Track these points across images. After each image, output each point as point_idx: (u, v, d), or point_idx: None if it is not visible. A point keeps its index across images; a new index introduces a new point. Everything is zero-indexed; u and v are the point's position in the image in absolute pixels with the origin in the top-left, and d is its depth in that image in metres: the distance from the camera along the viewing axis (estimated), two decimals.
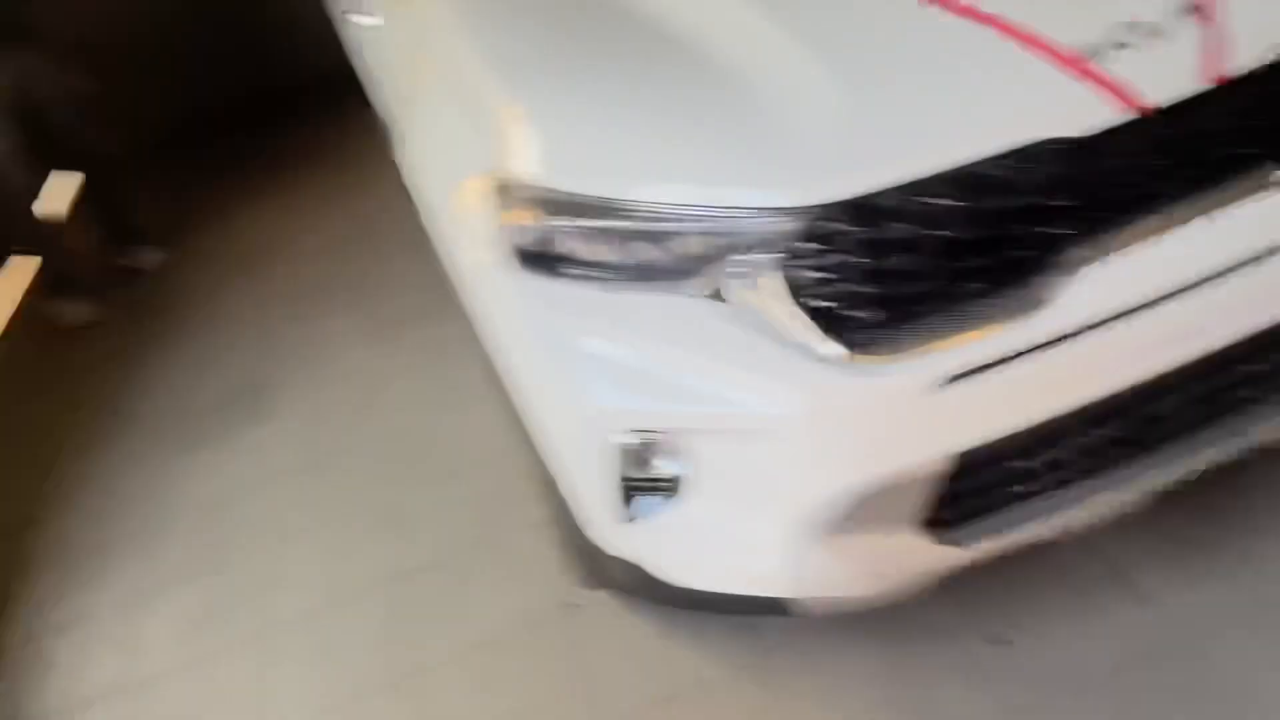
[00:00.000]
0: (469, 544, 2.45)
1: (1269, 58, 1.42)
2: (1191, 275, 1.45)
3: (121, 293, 4.18)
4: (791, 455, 1.49)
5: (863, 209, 1.39)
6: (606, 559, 1.79)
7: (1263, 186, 1.46)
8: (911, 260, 1.42)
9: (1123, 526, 1.86)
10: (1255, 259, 1.47)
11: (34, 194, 4.00)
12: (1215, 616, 1.80)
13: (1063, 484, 1.63)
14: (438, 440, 2.81)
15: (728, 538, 1.62)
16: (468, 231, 1.72)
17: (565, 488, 1.77)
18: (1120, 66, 1.39)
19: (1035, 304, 1.42)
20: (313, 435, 3.05)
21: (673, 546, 1.68)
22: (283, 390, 3.31)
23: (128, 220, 4.37)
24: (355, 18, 3.06)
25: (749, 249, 1.43)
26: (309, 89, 5.13)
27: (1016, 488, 1.62)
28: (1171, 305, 1.46)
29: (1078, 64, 1.39)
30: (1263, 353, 1.60)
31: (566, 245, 1.53)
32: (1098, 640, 1.82)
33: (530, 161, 1.56)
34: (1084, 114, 1.39)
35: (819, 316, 1.43)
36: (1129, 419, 1.60)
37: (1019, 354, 1.43)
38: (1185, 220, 1.45)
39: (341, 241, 4.11)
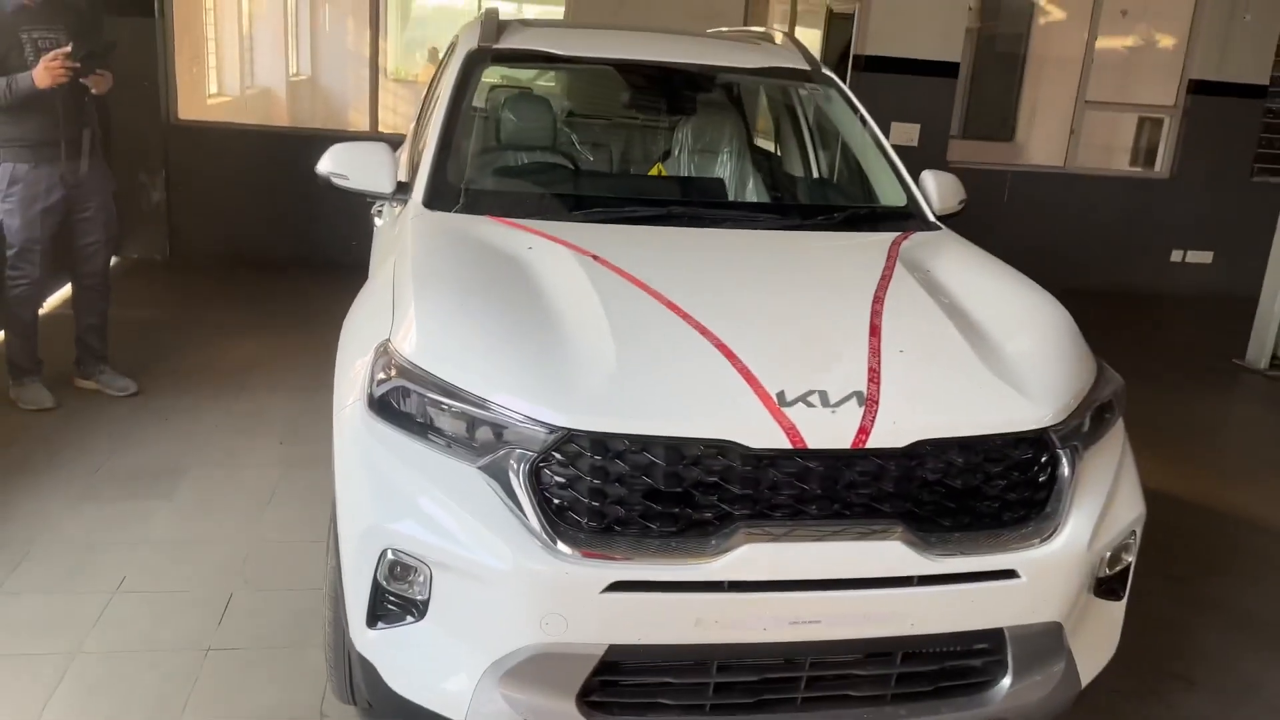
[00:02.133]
0: (269, 639, 2.86)
1: (901, 444, 2.05)
2: (813, 577, 2.01)
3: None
4: (494, 603, 1.99)
5: (598, 442, 1.98)
6: (355, 661, 2.23)
7: (880, 534, 2.03)
8: (621, 492, 1.99)
9: None
10: (862, 585, 2.02)
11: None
12: None
13: (696, 710, 2.09)
14: (283, 547, 3.27)
15: (437, 659, 2.09)
16: (349, 377, 2.31)
17: (344, 592, 2.24)
18: (798, 414, 2.02)
19: (703, 554, 1.97)
20: (192, 517, 3.52)
21: (400, 655, 2.13)
22: (186, 477, 3.81)
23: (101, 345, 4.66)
24: (376, 219, 3.85)
25: (524, 445, 2.01)
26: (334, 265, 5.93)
27: (663, 699, 2.09)
28: (797, 594, 2.00)
29: (772, 403, 2.03)
30: (863, 660, 2.11)
31: (406, 403, 2.12)
32: None
33: (405, 341, 2.19)
34: (766, 436, 2.00)
35: (548, 508, 1.98)
36: (754, 674, 2.09)
37: (678, 586, 1.96)
38: (822, 535, 2.02)
39: (293, 385, 4.71)
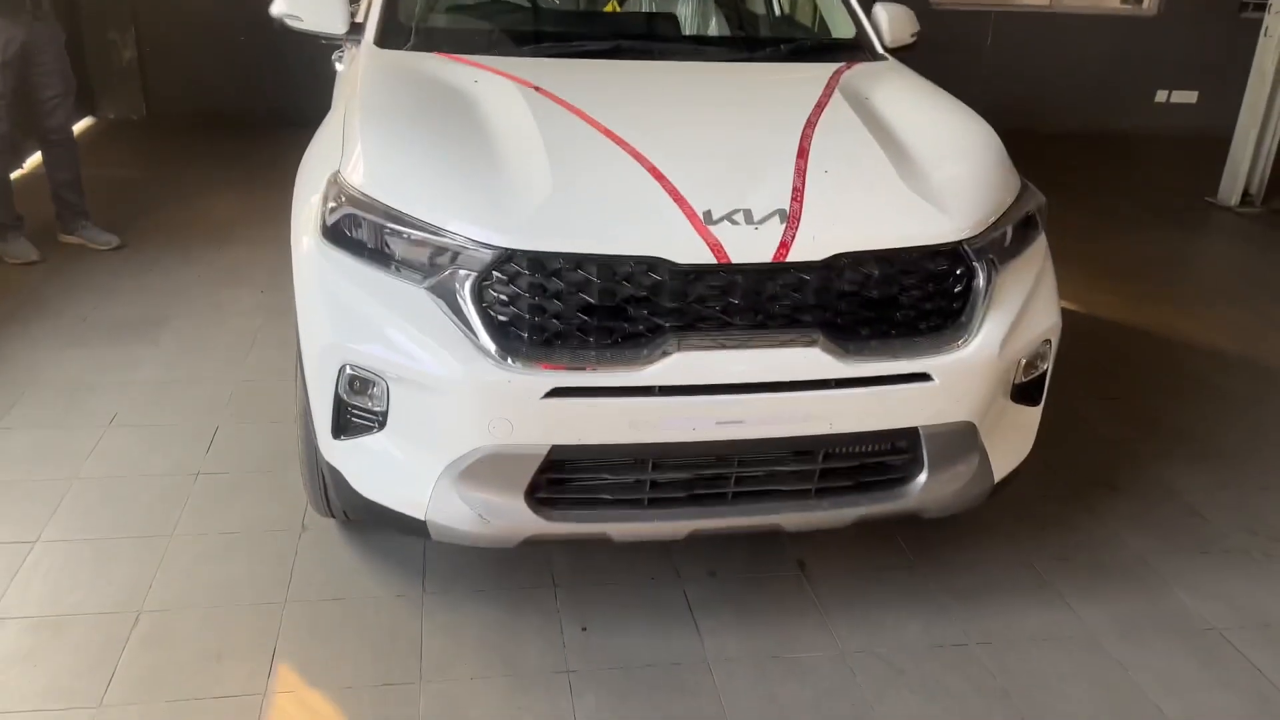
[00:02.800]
0: (254, 465, 3.08)
1: (819, 257, 2.18)
2: (738, 381, 2.18)
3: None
4: (446, 409, 2.16)
5: (534, 261, 2.12)
6: (325, 471, 2.43)
7: (800, 341, 2.19)
8: (558, 307, 2.14)
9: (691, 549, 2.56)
10: (784, 388, 2.19)
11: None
12: (744, 649, 2.44)
13: (635, 504, 2.30)
14: (266, 385, 3.46)
15: (397, 464, 2.28)
16: (305, 211, 2.44)
17: (310, 410, 2.42)
18: (723, 232, 2.15)
19: (636, 362, 2.13)
20: (178, 361, 3.70)
21: (365, 463, 2.33)
22: (170, 326, 3.98)
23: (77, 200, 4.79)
24: (337, 65, 3.89)
25: (467, 266, 2.15)
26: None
27: (604, 495, 2.29)
28: (723, 397, 2.18)
29: (699, 222, 2.16)
30: (787, 458, 2.31)
31: (357, 230, 2.25)
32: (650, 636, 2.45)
33: (354, 171, 2.30)
34: (692, 252, 2.14)
35: (491, 323, 2.14)
36: (688, 471, 2.29)
37: (612, 391, 2.14)
38: (745, 343, 2.18)
39: (272, 237, 4.83)
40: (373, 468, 2.32)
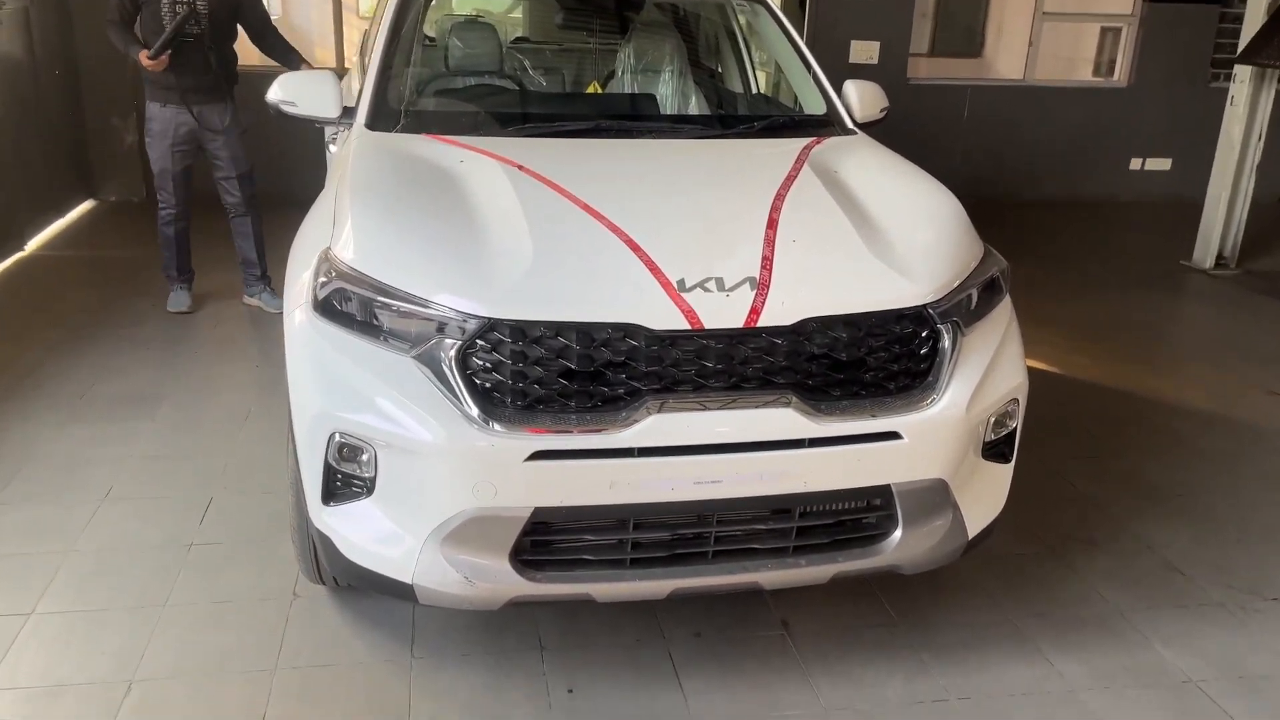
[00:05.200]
0: (246, 535, 3.13)
1: (789, 322, 2.28)
2: (715, 441, 2.26)
3: None
4: (432, 474, 2.24)
5: (517, 329, 2.22)
6: (316, 538, 2.49)
7: (774, 402, 2.28)
8: (540, 372, 2.23)
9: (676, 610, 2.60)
10: (759, 447, 2.27)
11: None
12: (729, 710, 2.47)
13: (617, 564, 2.36)
14: (260, 456, 3.53)
15: (385, 529, 2.34)
16: (296, 286, 2.54)
17: (301, 478, 2.49)
18: (696, 298, 2.25)
19: (614, 425, 2.22)
20: (173, 435, 3.77)
21: (353, 528, 2.39)
22: (166, 401, 4.07)
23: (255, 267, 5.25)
24: (331, 146, 4.04)
25: (452, 335, 2.24)
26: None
27: (587, 555, 2.35)
28: (700, 457, 2.26)
29: (672, 289, 2.26)
30: (765, 517, 2.38)
31: (347, 303, 2.35)
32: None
33: (344, 247, 2.41)
34: (667, 318, 2.23)
35: (475, 389, 2.22)
36: (668, 531, 2.35)
37: (593, 453, 2.21)
38: (721, 405, 2.26)
39: (266, 313, 4.94)
40: (361, 533, 2.38)
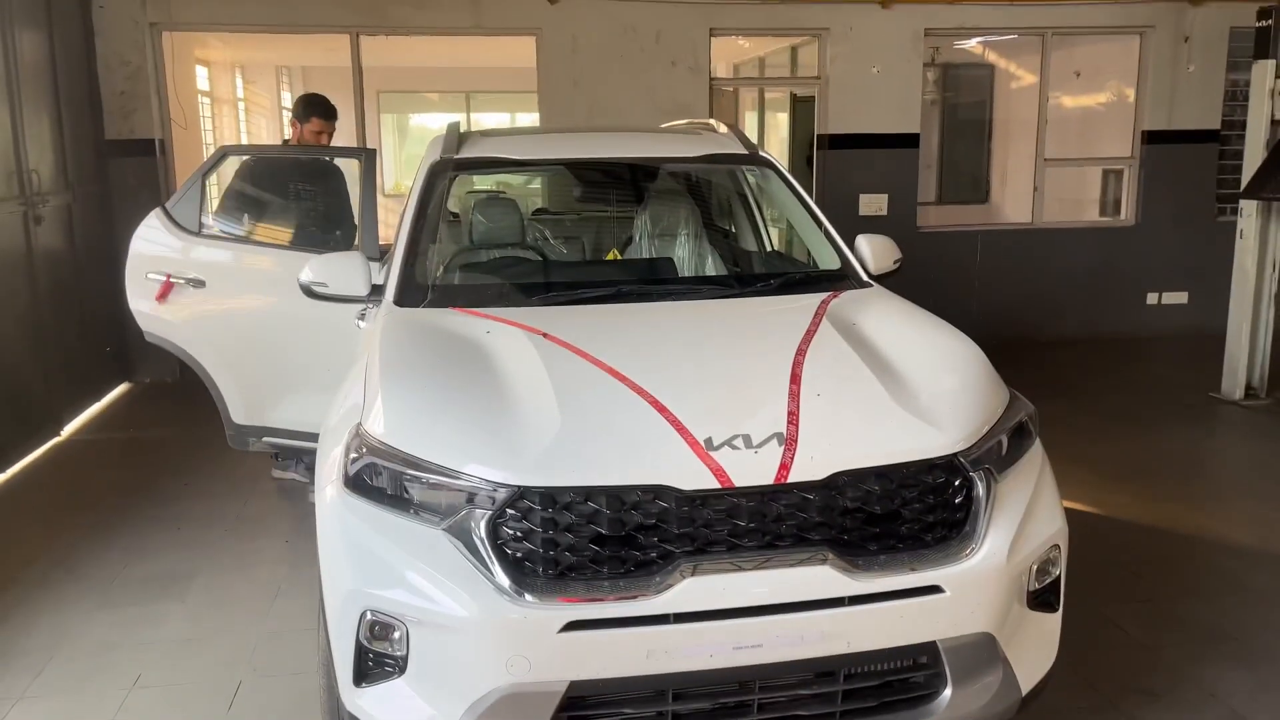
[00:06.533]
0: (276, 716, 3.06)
1: (820, 476, 2.27)
2: (752, 603, 2.21)
3: None
4: (465, 650, 2.19)
5: (546, 496, 2.21)
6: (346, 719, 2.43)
7: (810, 560, 2.24)
8: (570, 539, 2.21)
9: None
10: (798, 608, 2.22)
11: None
12: None
13: None
14: (288, 635, 3.47)
15: (419, 709, 2.28)
16: (328, 462, 2.56)
17: (332, 658, 2.44)
18: (724, 456, 2.25)
19: (649, 591, 2.18)
20: (203, 615, 3.74)
21: (387, 709, 2.32)
22: (197, 580, 4.04)
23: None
24: (359, 324, 4.14)
25: (482, 505, 2.24)
26: None
27: None
28: (738, 621, 2.20)
29: (700, 449, 2.27)
30: (809, 681, 2.30)
31: (378, 478, 2.36)
32: None
33: (374, 422, 2.44)
34: (696, 478, 2.23)
35: (506, 559, 2.20)
36: (708, 701, 2.27)
37: (628, 621, 2.17)
38: (755, 565, 2.23)
39: (297, 488, 4.96)
40: (395, 714, 2.31)
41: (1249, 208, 6.49)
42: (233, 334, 4.42)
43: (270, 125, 13.11)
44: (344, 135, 6.54)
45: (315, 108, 5.32)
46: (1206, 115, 8.45)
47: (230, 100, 12.04)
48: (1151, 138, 8.47)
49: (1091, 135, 9.32)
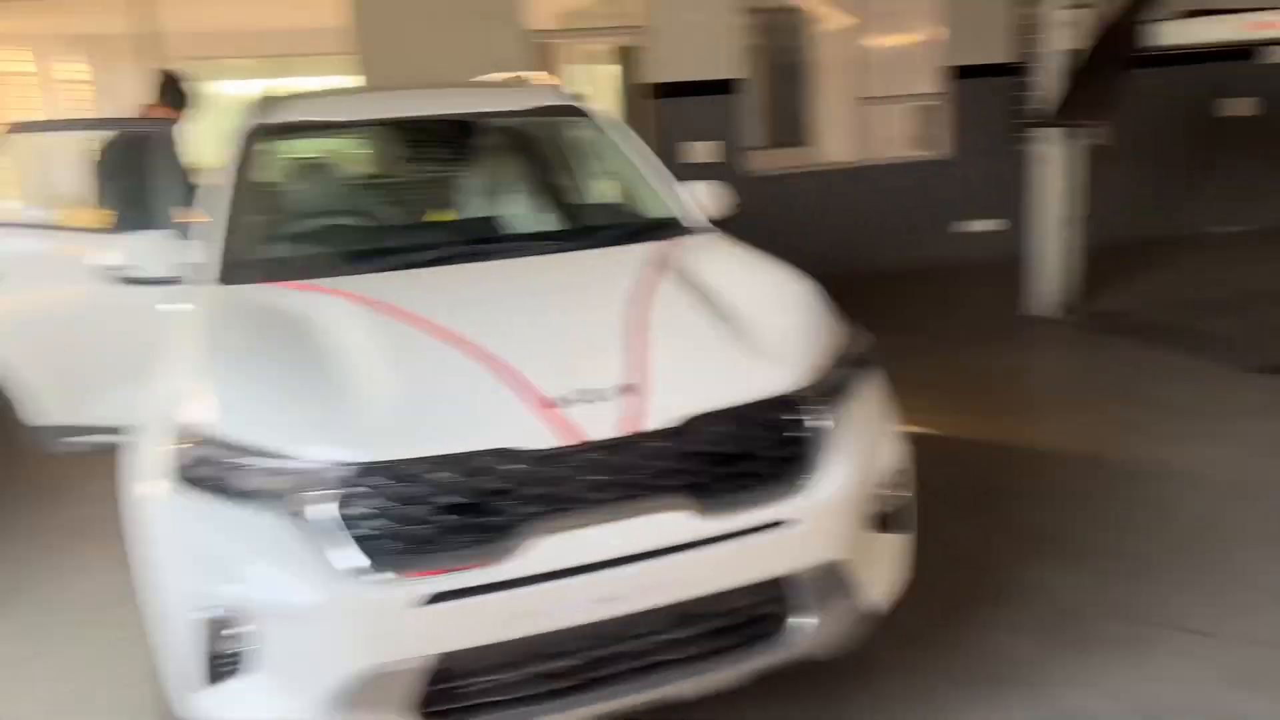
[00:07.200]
0: None
1: (668, 424, 2.27)
2: (611, 556, 2.20)
3: None
4: (324, 636, 2.11)
5: (391, 471, 2.14)
6: None
7: (663, 507, 2.25)
8: (421, 511, 2.15)
9: None
10: (656, 555, 2.23)
11: None
12: None
13: (529, 700, 2.25)
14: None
15: (276, 704, 2.18)
16: (139, 458, 2.37)
17: (169, 669, 2.30)
18: (571, 413, 2.23)
19: (505, 554, 2.14)
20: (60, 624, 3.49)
21: (239, 710, 2.21)
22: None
23: None
24: (162, 308, 3.85)
25: (326, 487, 2.14)
26: None
27: (499, 696, 2.24)
28: (599, 574, 2.20)
29: (546, 406, 2.23)
30: (670, 626, 2.32)
31: (210, 469, 2.22)
32: None
33: (202, 411, 2.29)
34: (542, 437, 2.20)
35: (358, 540, 2.12)
36: (578, 657, 2.27)
37: (486, 588, 2.13)
38: (611, 518, 2.22)
39: None
40: (250, 713, 2.21)
41: (1049, 134, 6.88)
42: (35, 329, 4.08)
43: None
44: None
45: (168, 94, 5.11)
46: (1008, 49, 8.87)
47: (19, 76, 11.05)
48: (960, 73, 8.84)
49: (909, 73, 9.64)
